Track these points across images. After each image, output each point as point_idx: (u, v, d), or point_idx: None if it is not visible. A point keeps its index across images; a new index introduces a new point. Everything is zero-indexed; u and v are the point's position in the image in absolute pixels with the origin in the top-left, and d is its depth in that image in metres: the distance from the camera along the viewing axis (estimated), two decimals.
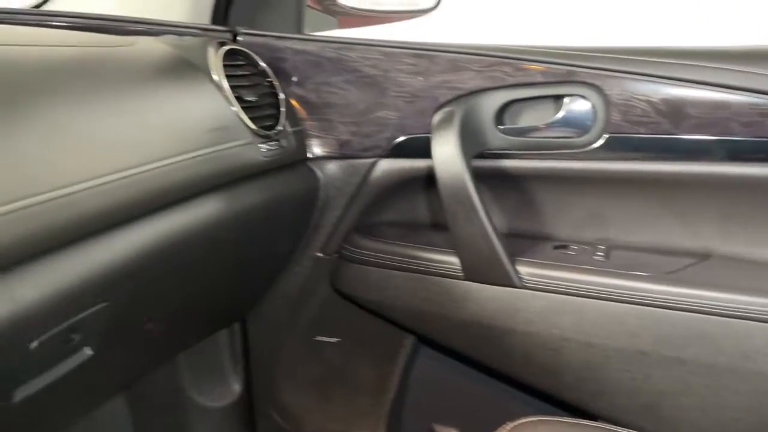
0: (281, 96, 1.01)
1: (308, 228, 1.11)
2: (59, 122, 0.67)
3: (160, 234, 0.76)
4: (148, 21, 0.98)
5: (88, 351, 0.71)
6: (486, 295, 0.97)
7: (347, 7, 1.16)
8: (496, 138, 1.00)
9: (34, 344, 0.60)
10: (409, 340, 1.17)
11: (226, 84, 0.91)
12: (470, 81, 0.98)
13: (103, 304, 0.68)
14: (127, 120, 0.76)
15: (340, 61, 1.03)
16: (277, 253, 1.12)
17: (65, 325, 0.64)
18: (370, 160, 1.05)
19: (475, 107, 0.98)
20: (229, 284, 1.04)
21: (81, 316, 0.65)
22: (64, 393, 0.74)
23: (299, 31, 1.14)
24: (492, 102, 0.99)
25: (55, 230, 0.61)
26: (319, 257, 1.13)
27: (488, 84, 0.98)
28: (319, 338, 1.19)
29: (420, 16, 1.25)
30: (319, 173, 1.08)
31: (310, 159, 1.07)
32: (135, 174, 0.71)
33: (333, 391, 1.23)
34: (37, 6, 1.07)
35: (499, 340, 0.99)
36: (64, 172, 0.63)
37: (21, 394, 0.64)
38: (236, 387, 1.26)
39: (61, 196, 0.61)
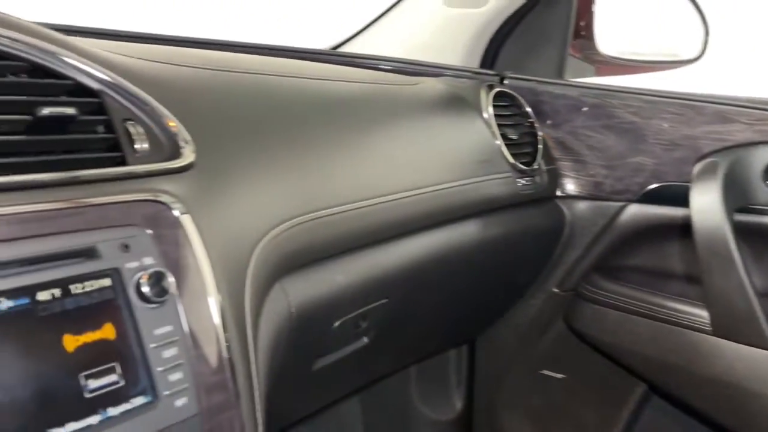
0: (539, 135, 1.08)
1: (548, 263, 1.15)
2: (366, 145, 0.81)
3: (428, 248, 0.87)
4: (429, 64, 1.11)
5: (365, 339, 0.83)
6: (736, 353, 0.93)
7: (608, 56, 1.20)
8: (763, 193, 0.97)
9: (337, 323, 0.73)
10: (640, 388, 1.16)
11: (494, 122, 1.01)
12: (739, 133, 0.97)
13: (384, 301, 0.80)
14: (413, 148, 0.88)
15: (600, 107, 1.08)
16: (516, 282, 1.18)
17: (358, 312, 0.76)
18: (620, 204, 1.08)
19: (742, 160, 0.96)
20: (468, 305, 1.12)
21: (369, 307, 0.77)
22: (340, 373, 0.86)
23: (560, 76, 1.21)
24: (762, 156, 0.96)
25: (360, 232, 0.74)
26: (555, 293, 1.16)
27: (759, 138, 0.95)
28: (546, 372, 1.22)
29: (681, 66, 1.25)
30: (566, 211, 1.12)
31: (559, 197, 1.12)
32: (415, 195, 0.82)
33: (554, 426, 1.25)
34: (335, 47, 1.27)
35: (746, 403, 0.94)
36: (367, 187, 0.76)
37: (318, 364, 0.77)
38: (458, 404, 1.33)
39: (363, 207, 0.74)
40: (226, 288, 0.52)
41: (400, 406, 1.32)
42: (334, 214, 0.69)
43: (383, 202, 0.77)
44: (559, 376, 1.22)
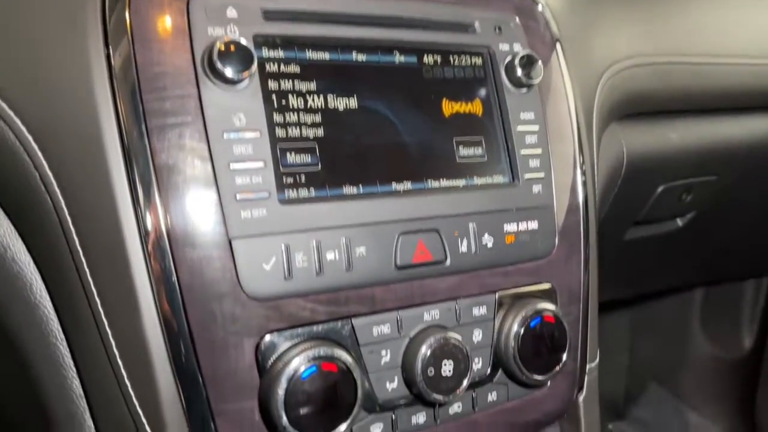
0: None
1: None
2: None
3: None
4: None
5: (678, 222, 0.76)
6: None
7: None
8: None
9: (661, 188, 0.68)
10: None
11: None
12: None
13: (713, 177, 0.72)
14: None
15: None
16: None
17: (684, 181, 0.69)
18: None
19: None
20: None
21: (696, 179, 0.70)
22: (642, 258, 0.81)
23: None
24: None
25: (703, 91, 0.66)
26: None
27: None
28: None
29: None
30: None
31: None
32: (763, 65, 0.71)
33: None
34: None
35: None
36: (718, 44, 0.67)
37: (630, 234, 0.73)
38: (747, 342, 1.18)
39: (711, 64, 0.66)
40: (580, 100, 0.50)
41: (676, 332, 1.21)
42: (677, 63, 0.63)
43: (733, 64, 0.68)
44: None
